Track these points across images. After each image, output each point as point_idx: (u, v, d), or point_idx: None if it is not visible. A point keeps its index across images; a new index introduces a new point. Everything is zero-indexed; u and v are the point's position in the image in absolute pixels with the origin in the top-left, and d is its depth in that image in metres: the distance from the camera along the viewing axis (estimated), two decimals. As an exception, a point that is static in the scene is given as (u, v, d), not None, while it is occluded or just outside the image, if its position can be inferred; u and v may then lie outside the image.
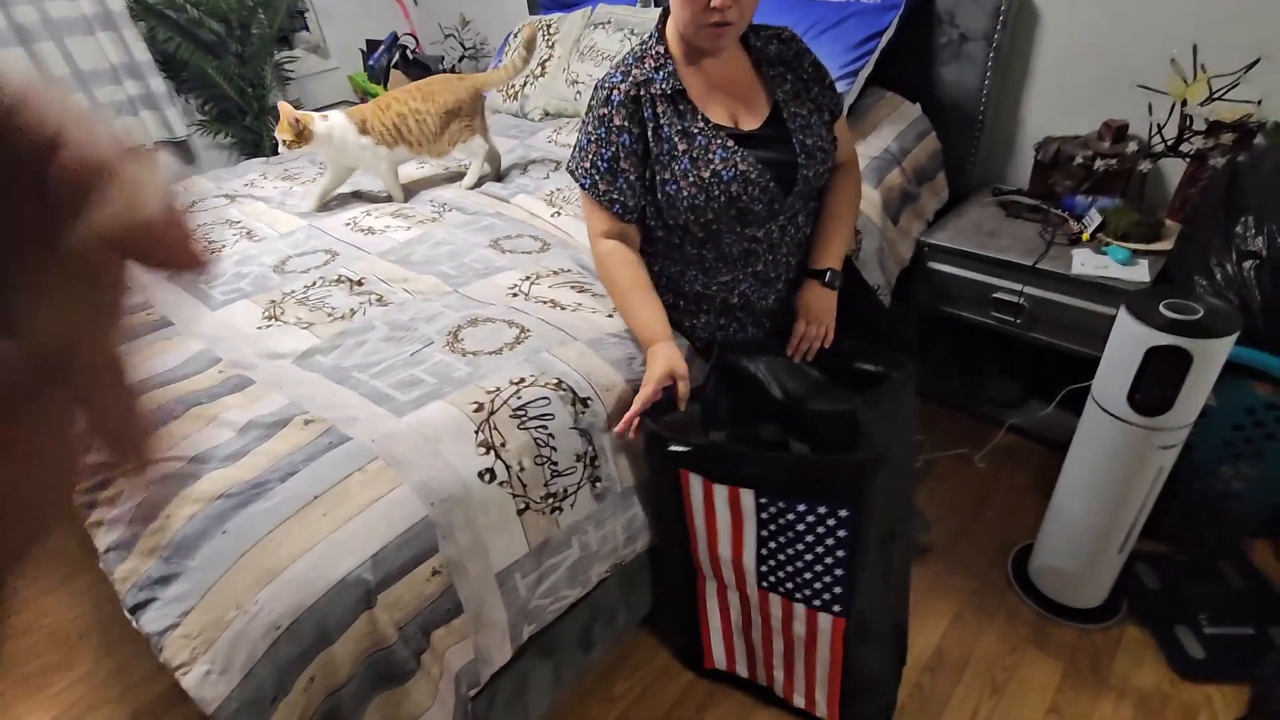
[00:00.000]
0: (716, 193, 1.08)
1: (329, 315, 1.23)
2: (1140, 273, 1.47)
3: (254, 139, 2.95)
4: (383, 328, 1.17)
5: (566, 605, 1.11)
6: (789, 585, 1.10)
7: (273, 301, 1.29)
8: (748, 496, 1.03)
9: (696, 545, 1.14)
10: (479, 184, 1.81)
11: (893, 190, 1.65)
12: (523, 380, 1.04)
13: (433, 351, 1.11)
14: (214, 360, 1.14)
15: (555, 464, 1.02)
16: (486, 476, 0.94)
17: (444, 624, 0.92)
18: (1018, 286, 1.57)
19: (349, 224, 1.61)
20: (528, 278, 1.32)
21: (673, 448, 1.03)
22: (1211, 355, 1.00)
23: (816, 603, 1.09)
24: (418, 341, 1.13)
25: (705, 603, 1.23)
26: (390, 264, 1.40)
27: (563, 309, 1.23)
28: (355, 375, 1.06)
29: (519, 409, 1.00)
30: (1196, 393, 1.04)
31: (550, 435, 1.01)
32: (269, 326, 1.21)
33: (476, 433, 0.96)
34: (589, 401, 1.06)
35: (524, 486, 0.98)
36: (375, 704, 0.85)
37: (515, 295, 1.27)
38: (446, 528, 0.90)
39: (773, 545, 1.07)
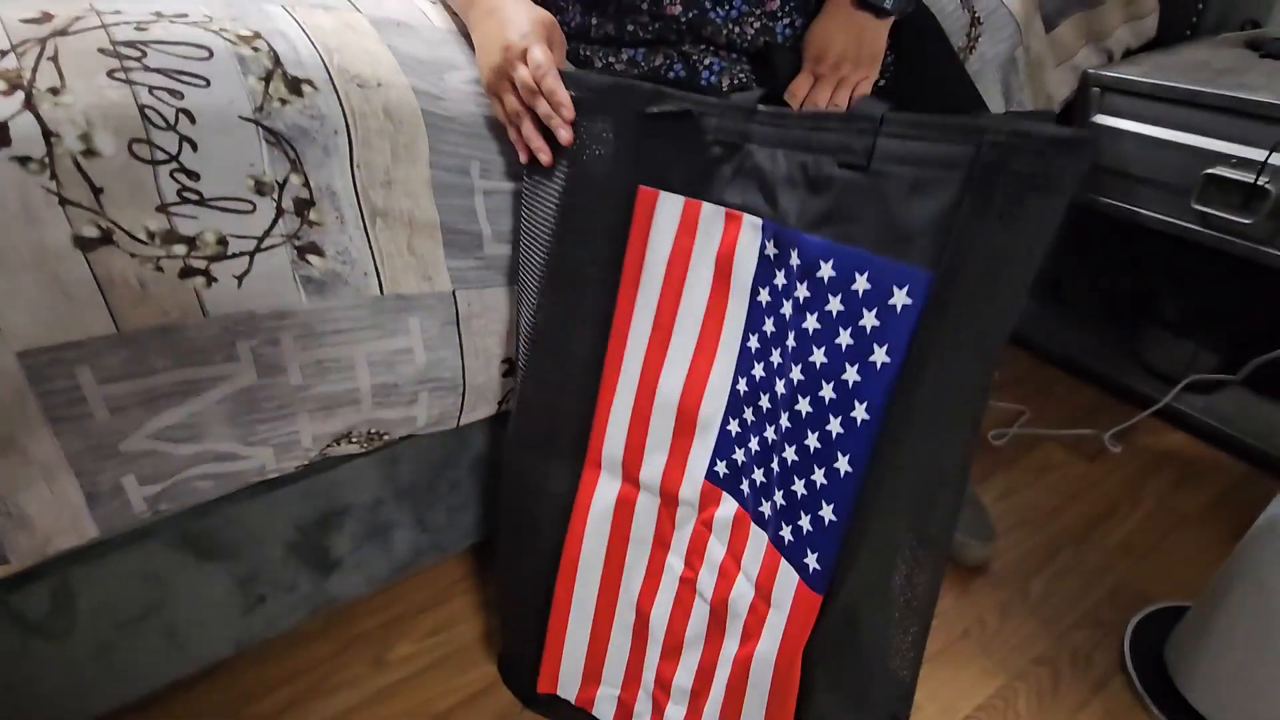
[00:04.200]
0: None
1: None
2: None
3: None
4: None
5: (244, 475, 0.61)
6: (757, 475, 0.57)
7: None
8: (749, 237, 0.55)
9: (618, 367, 0.62)
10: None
11: (1057, -29, 0.97)
12: (182, 16, 0.54)
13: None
14: None
15: (192, 176, 0.51)
16: (-17, 134, 0.45)
17: None
18: (1259, 155, 0.86)
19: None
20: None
21: (659, 107, 0.56)
22: None
23: (785, 531, 0.54)
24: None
25: (583, 530, 0.67)
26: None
27: (384, -14, 0.71)
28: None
29: (129, 45, 0.50)
30: None
31: (186, 114, 0.50)
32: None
33: (4, 54, 0.47)
34: (305, 87, 0.54)
35: (95, 193, 0.48)
36: None
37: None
38: None
39: (759, 373, 0.56)
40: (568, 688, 0.74)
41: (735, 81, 0.69)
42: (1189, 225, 0.96)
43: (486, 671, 0.79)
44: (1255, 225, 0.88)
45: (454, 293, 0.65)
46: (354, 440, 0.66)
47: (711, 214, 0.57)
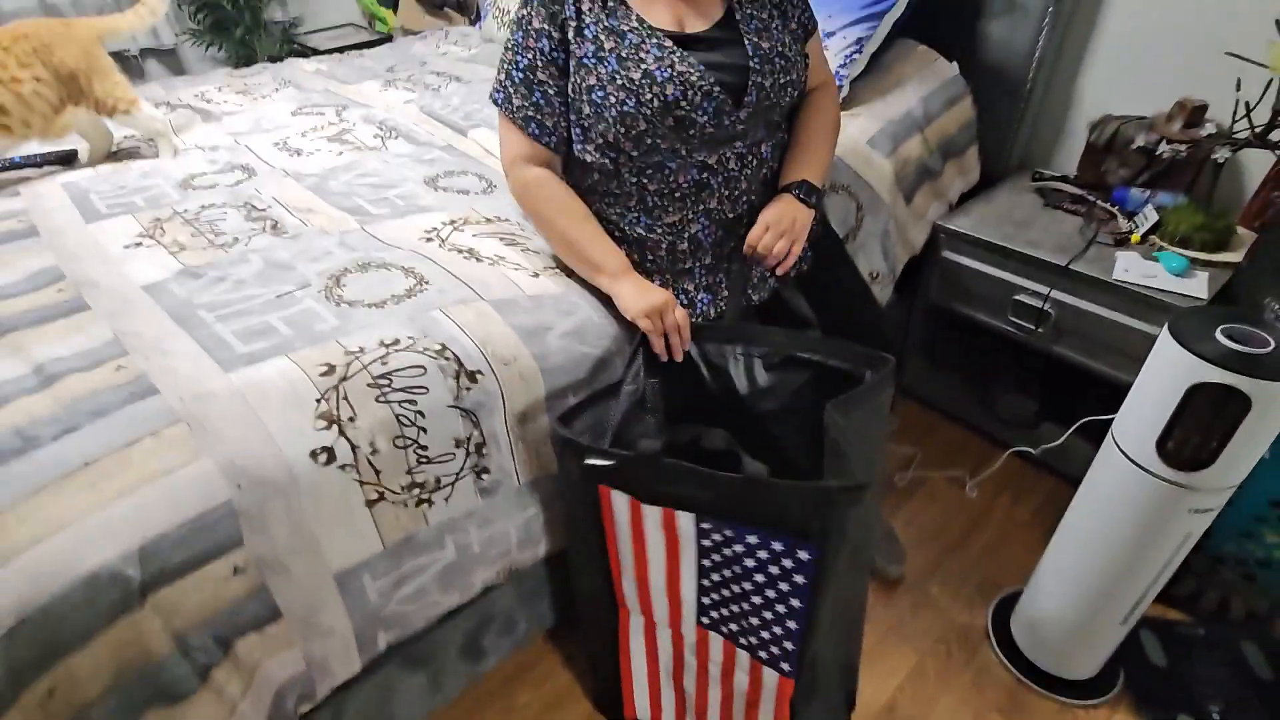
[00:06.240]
0: (648, 96, 0.89)
1: (210, 241, 1.05)
2: (1196, 287, 1.21)
3: (247, 53, 2.77)
4: (258, 262, 0.99)
5: (440, 613, 0.93)
6: (733, 626, 0.90)
7: (157, 219, 1.11)
8: (686, 521, 0.83)
9: (620, 575, 0.94)
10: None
11: (909, 163, 1.39)
12: (396, 342, 0.85)
13: (304, 296, 0.92)
14: (56, 278, 0.96)
15: (424, 448, 0.83)
16: (322, 457, 0.75)
17: (254, 630, 0.75)
18: (1044, 289, 1.32)
19: (278, 143, 1.41)
20: (453, 222, 1.12)
21: (592, 461, 0.83)
22: (1278, 403, 0.76)
23: (763, 654, 0.90)
24: (291, 283, 0.94)
25: (629, 644, 1.03)
26: (303, 190, 1.21)
27: (479, 261, 1.02)
28: (201, 315, 0.88)
29: (382, 377, 0.81)
30: (1250, 449, 0.81)
31: (420, 413, 0.82)
32: (138, 247, 1.03)
33: (319, 402, 0.77)
34: (478, 376, 0.87)
35: (377, 473, 0.79)
36: (144, 724, 0.69)
37: (430, 240, 1.07)
38: (257, 518, 0.72)
39: (716, 578, 0.87)
40: (643, 714, 1.10)
41: (719, 283, 1.05)
42: (1007, 329, 1.42)
43: (584, 707, 1.15)
44: (1043, 334, 1.35)
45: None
46: (500, 577, 0.99)
47: (650, 509, 0.83)
